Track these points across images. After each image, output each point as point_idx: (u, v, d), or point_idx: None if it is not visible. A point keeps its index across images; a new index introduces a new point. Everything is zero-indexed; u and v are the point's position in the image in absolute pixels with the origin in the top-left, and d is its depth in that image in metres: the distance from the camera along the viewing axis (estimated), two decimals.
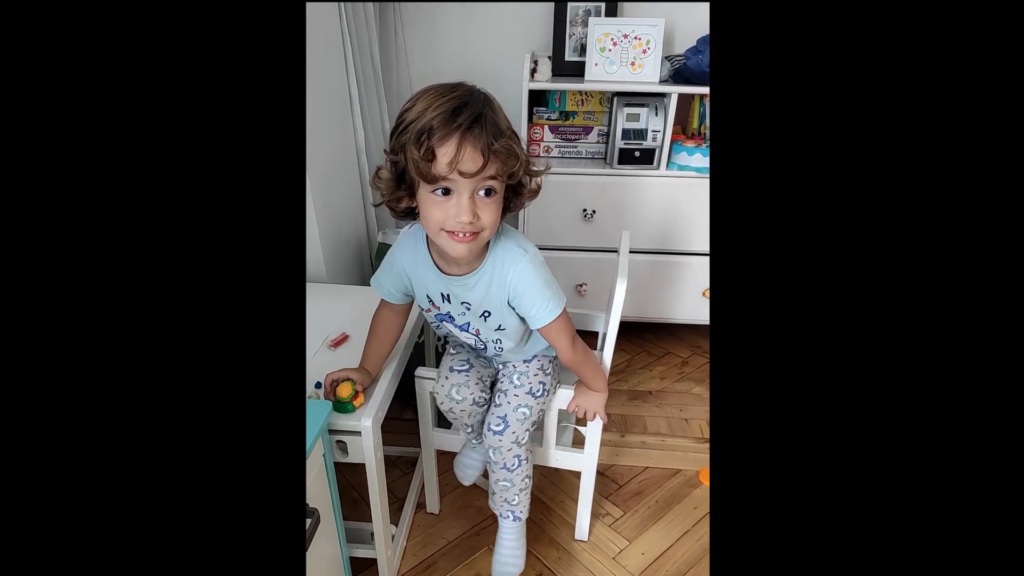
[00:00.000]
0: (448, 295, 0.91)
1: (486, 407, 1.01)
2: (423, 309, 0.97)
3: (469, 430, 1.06)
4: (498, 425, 0.97)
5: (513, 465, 0.99)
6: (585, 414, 1.03)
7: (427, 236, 0.88)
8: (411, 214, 0.84)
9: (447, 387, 0.98)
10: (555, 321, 0.89)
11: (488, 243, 0.86)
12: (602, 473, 1.34)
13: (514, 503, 1.03)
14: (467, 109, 0.73)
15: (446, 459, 1.19)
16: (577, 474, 1.12)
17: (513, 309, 0.90)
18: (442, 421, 1.13)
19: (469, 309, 0.92)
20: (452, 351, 1.05)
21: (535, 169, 0.83)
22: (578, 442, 1.11)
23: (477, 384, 0.98)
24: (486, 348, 0.99)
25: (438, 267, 0.89)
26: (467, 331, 0.96)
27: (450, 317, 0.95)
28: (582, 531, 1.17)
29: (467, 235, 0.77)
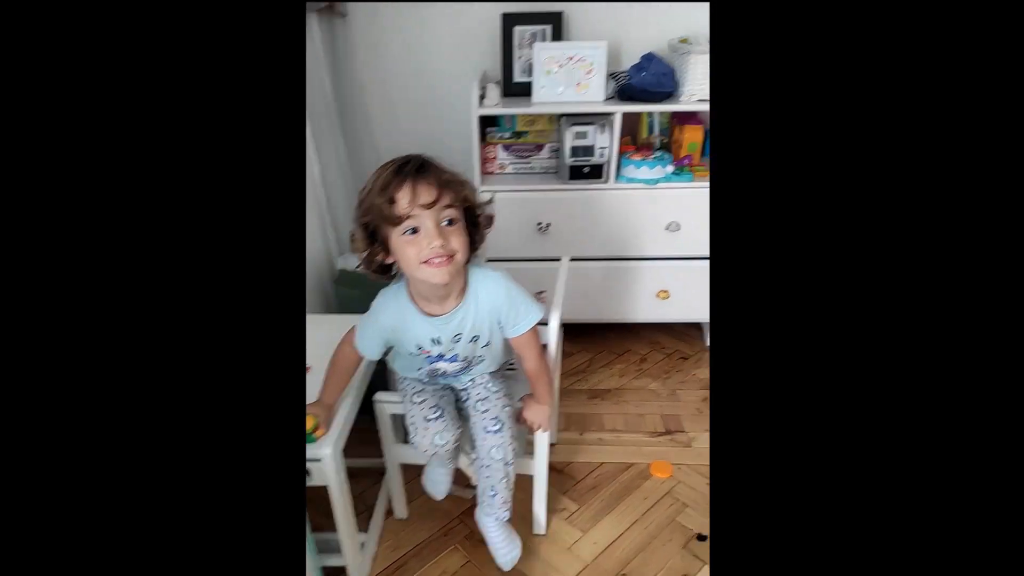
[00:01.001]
0: (438, 338, 1.02)
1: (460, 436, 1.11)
2: (411, 355, 1.06)
3: (448, 461, 1.17)
4: (495, 425, 1.08)
5: (511, 458, 1.10)
6: (532, 425, 1.15)
7: (409, 291, 1.00)
8: (386, 271, 0.97)
9: (429, 436, 1.06)
10: (533, 328, 1.04)
11: (467, 277, 0.99)
12: (560, 471, 1.46)
13: (508, 500, 1.14)
14: (411, 162, 0.88)
15: (410, 470, 1.31)
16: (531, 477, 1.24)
17: (499, 324, 1.04)
18: (405, 436, 1.26)
19: (460, 340, 1.03)
20: (415, 399, 1.10)
21: (483, 198, 0.96)
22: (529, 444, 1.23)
23: (452, 422, 1.09)
24: (469, 368, 1.10)
25: (426, 313, 1.00)
26: (456, 361, 1.07)
27: (441, 356, 1.05)
28: (540, 526, 1.30)
29: (443, 259, 0.89)
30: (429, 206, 0.86)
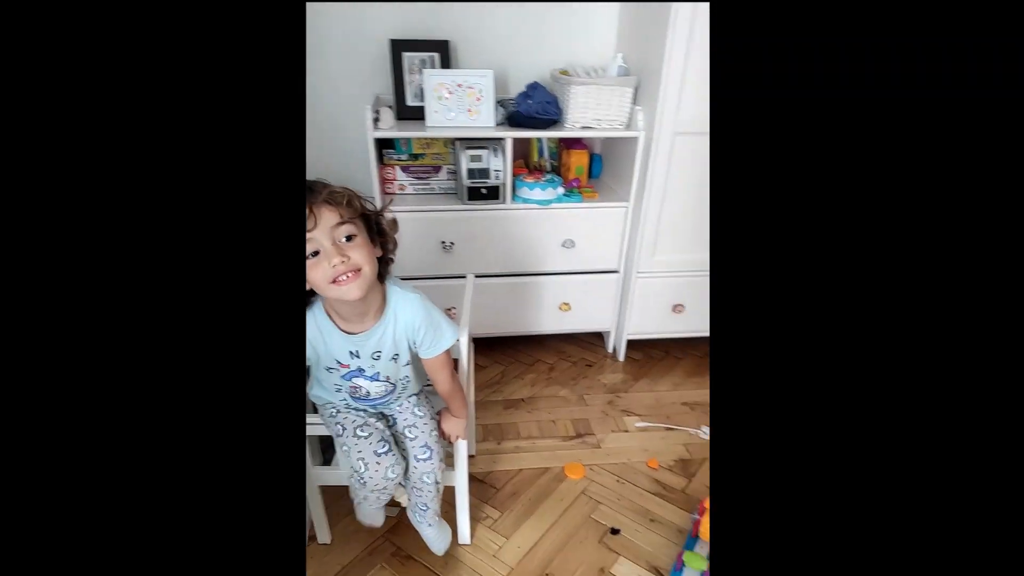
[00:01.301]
0: (356, 351, 1.02)
1: None
2: (330, 370, 1.04)
3: (385, 496, 1.13)
4: (424, 453, 1.10)
5: (440, 477, 1.14)
6: (450, 437, 1.19)
7: (325, 308, 1.00)
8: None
9: (382, 471, 1.03)
10: (448, 351, 1.07)
11: (386, 295, 1.01)
12: (481, 480, 1.49)
13: (438, 509, 1.20)
14: None
15: (331, 492, 1.28)
16: (453, 487, 1.27)
17: (414, 343, 1.05)
18: (324, 459, 1.24)
19: (380, 358, 1.03)
20: (360, 433, 1.06)
21: (372, 204, 0.97)
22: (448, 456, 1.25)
23: (400, 454, 1.09)
24: (395, 389, 1.10)
25: (344, 330, 1.00)
26: (378, 380, 1.06)
27: (360, 371, 1.04)
28: (464, 536, 1.31)
29: (349, 275, 0.90)
30: (313, 230, 0.87)
